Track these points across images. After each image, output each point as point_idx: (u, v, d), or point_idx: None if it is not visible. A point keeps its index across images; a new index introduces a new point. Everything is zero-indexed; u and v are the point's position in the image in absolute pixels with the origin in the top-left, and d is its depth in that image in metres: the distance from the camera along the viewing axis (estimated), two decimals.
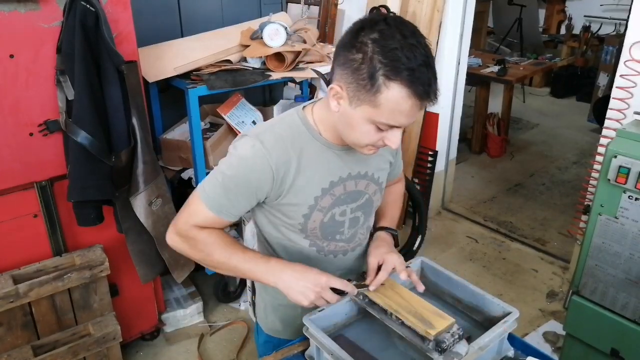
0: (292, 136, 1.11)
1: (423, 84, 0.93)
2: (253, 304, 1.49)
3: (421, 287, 1.20)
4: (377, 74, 0.93)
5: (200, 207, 1.12)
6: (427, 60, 0.93)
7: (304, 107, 1.18)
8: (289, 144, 1.10)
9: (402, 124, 0.99)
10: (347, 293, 1.13)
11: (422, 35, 0.96)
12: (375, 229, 1.34)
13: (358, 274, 1.37)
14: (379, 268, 1.20)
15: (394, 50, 0.91)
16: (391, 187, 1.43)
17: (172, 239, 1.17)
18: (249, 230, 1.67)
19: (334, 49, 1.06)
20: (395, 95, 0.93)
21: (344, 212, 1.21)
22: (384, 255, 1.21)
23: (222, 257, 1.12)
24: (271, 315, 1.36)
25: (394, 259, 1.19)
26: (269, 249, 1.27)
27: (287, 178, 1.10)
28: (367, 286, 1.18)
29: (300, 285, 1.08)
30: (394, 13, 2.91)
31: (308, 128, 1.13)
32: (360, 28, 0.96)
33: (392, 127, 1.00)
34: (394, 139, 1.02)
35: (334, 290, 1.10)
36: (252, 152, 1.07)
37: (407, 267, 1.23)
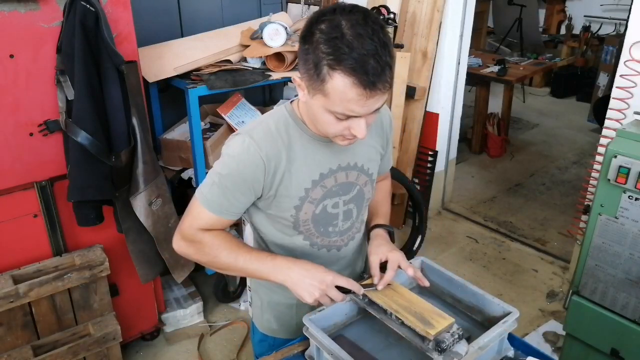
0: (280, 129, 1.13)
1: (367, 73, 0.91)
2: None
3: (426, 283, 1.22)
4: (321, 64, 0.93)
5: (200, 210, 1.14)
6: (375, 49, 0.91)
7: (292, 101, 1.19)
8: (278, 137, 1.12)
9: (357, 113, 0.97)
10: (352, 292, 1.13)
11: (375, 23, 0.94)
12: (370, 227, 1.34)
13: (356, 274, 1.37)
14: (381, 266, 1.20)
15: (335, 39, 0.91)
16: (379, 184, 1.43)
17: (178, 244, 1.19)
18: (248, 230, 1.67)
19: None
20: (339, 84, 0.93)
21: (337, 204, 1.21)
22: (387, 253, 1.22)
23: (228, 259, 1.13)
24: (267, 313, 1.36)
25: (398, 257, 1.21)
26: (264, 247, 1.27)
27: (279, 169, 1.12)
28: (372, 285, 1.17)
29: (307, 282, 1.08)
30: (395, 13, 2.91)
31: (295, 121, 1.15)
32: (313, 19, 0.97)
33: (349, 117, 0.99)
34: (358, 128, 1.01)
35: (340, 289, 1.10)
36: (242, 147, 1.10)
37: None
